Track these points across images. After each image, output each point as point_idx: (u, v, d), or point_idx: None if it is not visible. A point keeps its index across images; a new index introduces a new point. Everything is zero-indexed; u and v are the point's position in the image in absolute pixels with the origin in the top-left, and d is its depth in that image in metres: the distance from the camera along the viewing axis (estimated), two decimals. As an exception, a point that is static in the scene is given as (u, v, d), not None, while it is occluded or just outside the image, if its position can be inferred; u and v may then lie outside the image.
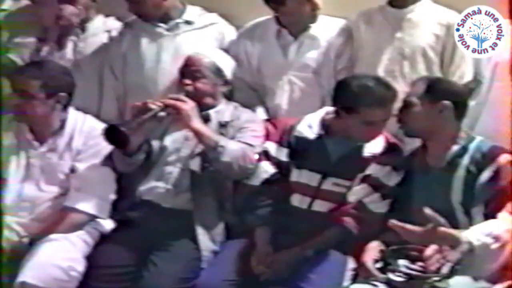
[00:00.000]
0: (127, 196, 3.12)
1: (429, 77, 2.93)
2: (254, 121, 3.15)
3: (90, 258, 2.97)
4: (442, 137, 2.76)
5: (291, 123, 3.02)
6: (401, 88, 2.94)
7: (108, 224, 3.09)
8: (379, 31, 3.21)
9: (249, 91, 3.38)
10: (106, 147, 3.05)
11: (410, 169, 2.86)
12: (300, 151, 2.94)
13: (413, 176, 2.84)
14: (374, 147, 2.89)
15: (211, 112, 3.11)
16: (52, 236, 2.95)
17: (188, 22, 3.42)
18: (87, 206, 3.01)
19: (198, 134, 2.99)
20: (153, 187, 3.08)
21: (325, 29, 3.29)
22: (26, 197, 3.03)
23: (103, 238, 3.06)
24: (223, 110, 3.14)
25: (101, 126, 3.10)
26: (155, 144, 3.12)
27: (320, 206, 2.90)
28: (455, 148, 2.74)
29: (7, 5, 3.76)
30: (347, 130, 2.85)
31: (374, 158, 2.87)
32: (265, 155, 3.01)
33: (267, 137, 3.07)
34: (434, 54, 3.14)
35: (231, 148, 2.95)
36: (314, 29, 3.29)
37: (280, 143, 2.99)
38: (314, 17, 3.27)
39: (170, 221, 3.00)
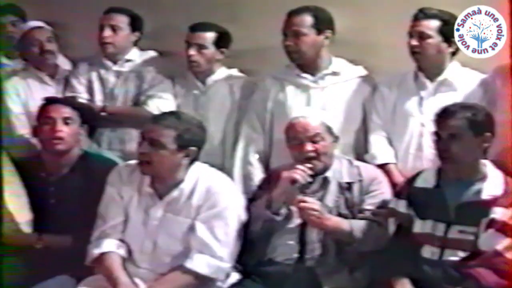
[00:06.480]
0: (254, 254, 3.05)
1: None
2: (380, 181, 3.08)
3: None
4: None
5: (409, 175, 3.02)
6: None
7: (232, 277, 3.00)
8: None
9: (382, 135, 3.39)
10: (228, 206, 2.94)
11: None
12: (420, 202, 2.87)
13: None
14: (493, 189, 2.79)
15: (329, 174, 3.05)
16: None
17: (335, 73, 3.43)
18: (205, 269, 2.88)
19: (332, 232, 2.95)
20: (281, 253, 3.02)
21: (461, 77, 3.29)
22: (145, 250, 2.95)
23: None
24: (339, 169, 3.07)
25: (223, 179, 3.02)
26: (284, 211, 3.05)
27: (451, 255, 2.78)
28: None
29: (135, 55, 3.79)
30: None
31: (496, 201, 2.76)
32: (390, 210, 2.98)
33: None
34: None
35: (366, 239, 2.93)
36: (450, 75, 3.29)
37: (399, 195, 2.96)
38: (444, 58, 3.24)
39: (301, 276, 2.95)
